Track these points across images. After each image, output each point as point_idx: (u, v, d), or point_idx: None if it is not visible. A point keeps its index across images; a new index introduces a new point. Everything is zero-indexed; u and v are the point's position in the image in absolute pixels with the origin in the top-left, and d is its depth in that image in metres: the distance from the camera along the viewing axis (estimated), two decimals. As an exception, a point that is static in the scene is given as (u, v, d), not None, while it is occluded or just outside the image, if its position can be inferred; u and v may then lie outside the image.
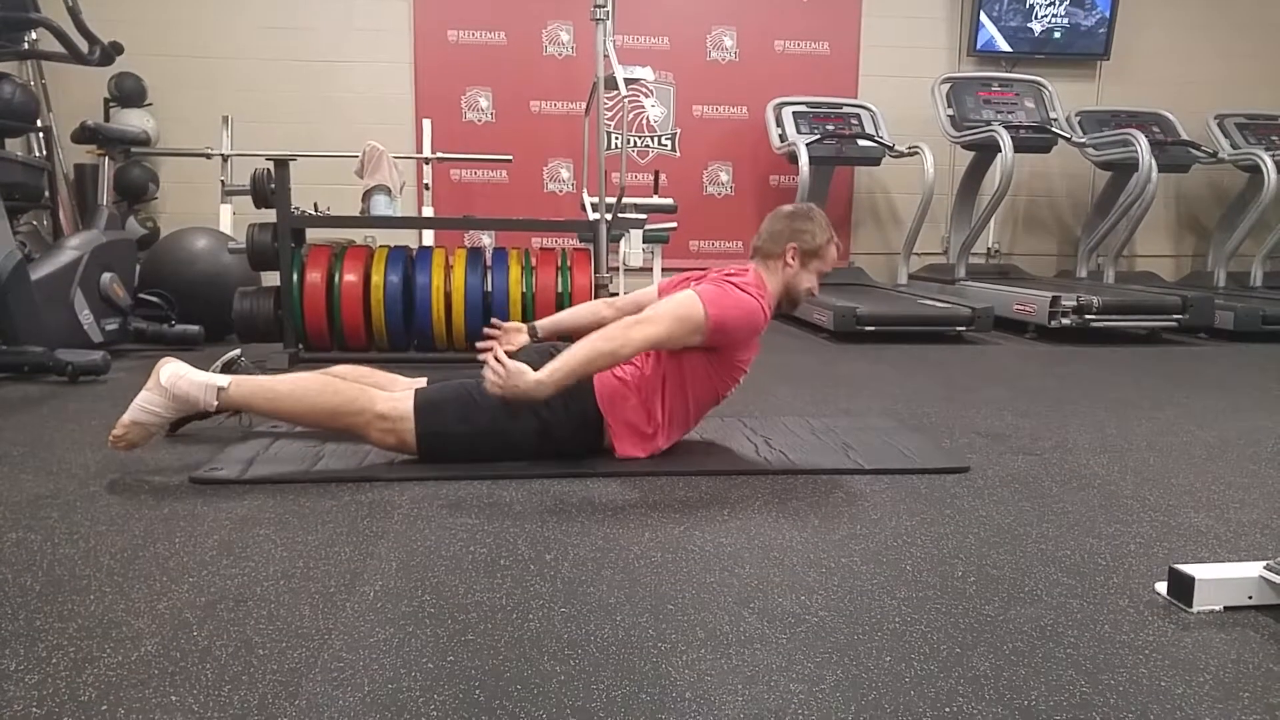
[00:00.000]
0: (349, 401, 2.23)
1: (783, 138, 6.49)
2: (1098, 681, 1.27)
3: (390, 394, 2.31)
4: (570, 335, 2.59)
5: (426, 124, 6.39)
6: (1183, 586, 1.52)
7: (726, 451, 2.52)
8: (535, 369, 2.23)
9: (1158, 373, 4.13)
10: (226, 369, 2.65)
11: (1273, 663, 1.34)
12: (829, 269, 2.55)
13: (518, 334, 2.67)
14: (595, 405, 2.36)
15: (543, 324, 2.72)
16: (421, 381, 2.51)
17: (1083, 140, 6.52)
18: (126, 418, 2.19)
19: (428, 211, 6.25)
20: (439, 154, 6.25)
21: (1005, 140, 5.88)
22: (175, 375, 2.21)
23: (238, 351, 2.72)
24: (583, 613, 1.47)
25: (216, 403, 2.21)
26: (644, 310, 2.29)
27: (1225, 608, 1.51)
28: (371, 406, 2.24)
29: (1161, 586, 1.59)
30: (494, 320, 2.71)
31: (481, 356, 2.27)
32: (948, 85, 6.67)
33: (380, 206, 4.32)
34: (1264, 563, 1.53)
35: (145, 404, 2.20)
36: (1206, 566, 1.55)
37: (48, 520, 1.89)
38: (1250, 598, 1.51)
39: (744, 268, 2.47)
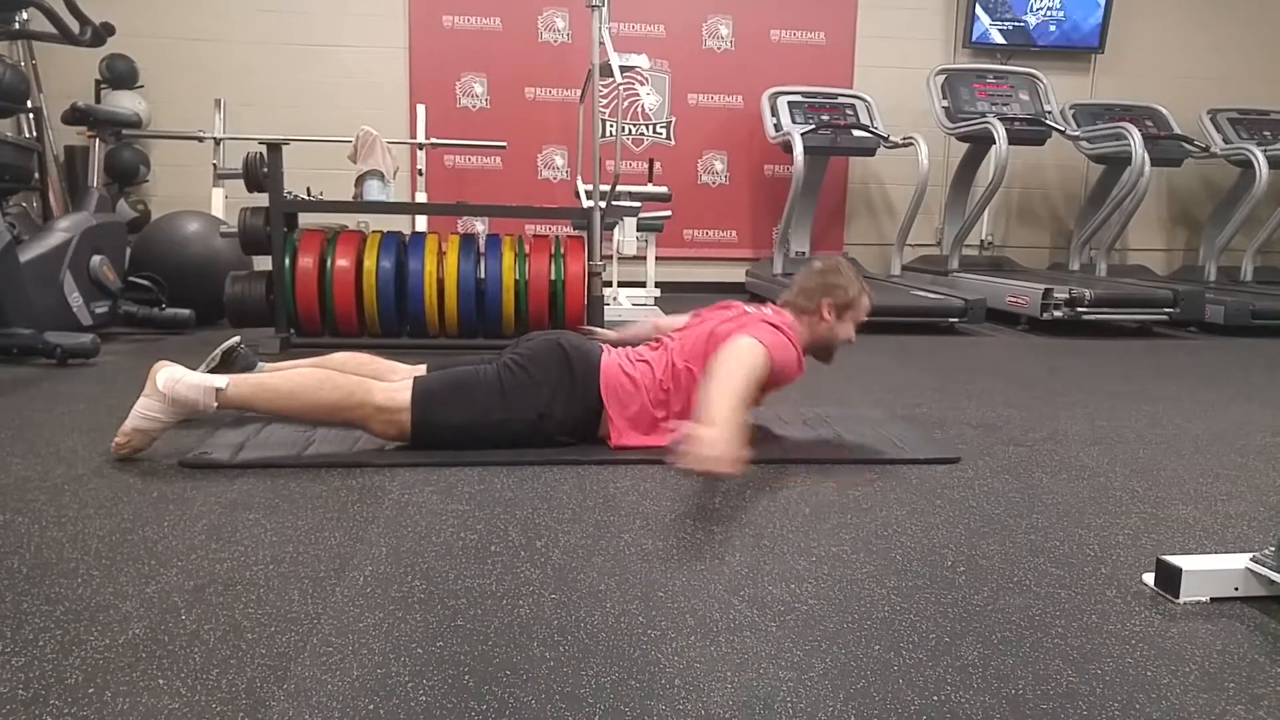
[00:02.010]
0: (348, 395, 2.22)
1: (778, 127, 6.47)
2: (1085, 671, 1.28)
3: (388, 385, 2.30)
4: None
5: (421, 109, 6.37)
6: (1170, 577, 1.53)
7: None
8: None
9: (1148, 365, 4.14)
10: (226, 356, 2.63)
11: (1258, 654, 1.34)
12: (863, 318, 2.59)
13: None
14: (598, 398, 2.36)
15: (609, 334, 2.78)
16: (421, 369, 2.50)
17: (1076, 133, 6.52)
18: (128, 425, 2.17)
19: (421, 197, 6.23)
20: (433, 140, 6.22)
21: (1000, 132, 5.88)
22: (172, 379, 2.17)
23: (237, 339, 2.70)
24: (573, 599, 1.47)
25: (216, 404, 2.19)
26: (720, 357, 2.16)
27: (1212, 599, 1.51)
28: (370, 399, 2.23)
29: (1149, 577, 1.59)
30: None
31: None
32: (943, 77, 6.66)
33: (373, 191, 4.30)
34: (1250, 555, 1.54)
35: (145, 410, 2.16)
36: (1194, 558, 1.56)
37: (35, 503, 1.89)
38: (1236, 589, 1.52)
39: (780, 310, 2.49)
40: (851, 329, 2.56)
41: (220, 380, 2.20)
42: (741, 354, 2.17)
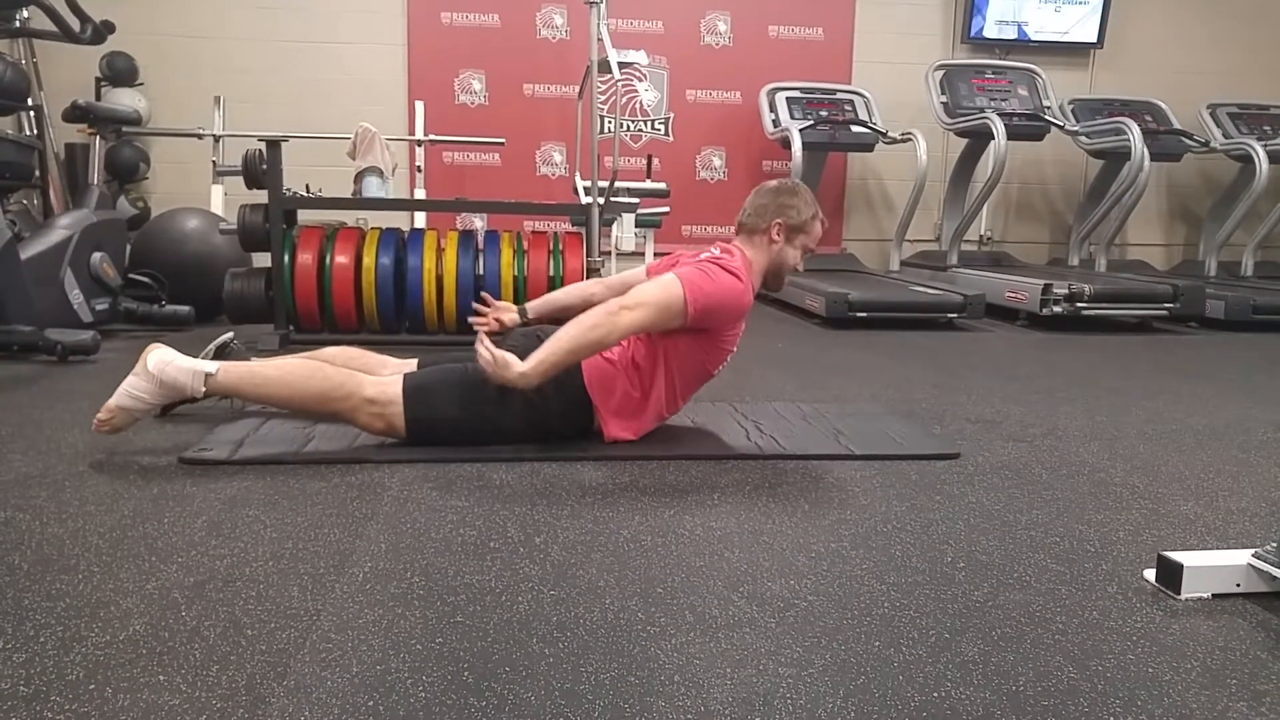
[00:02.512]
0: (337, 386, 2.22)
1: (776, 123, 6.47)
2: (1085, 667, 1.28)
3: (379, 378, 2.30)
4: (560, 317, 2.58)
5: (419, 106, 6.37)
6: (1171, 573, 1.53)
7: (717, 436, 2.52)
8: (522, 354, 2.24)
9: (1148, 361, 4.14)
10: (219, 352, 2.63)
11: (1259, 650, 1.34)
12: (814, 246, 2.53)
13: (507, 313, 2.66)
14: (584, 388, 2.35)
15: (533, 305, 2.70)
16: (411, 364, 2.50)
17: (1076, 128, 6.52)
18: (113, 402, 2.18)
19: (420, 194, 6.23)
20: (431, 136, 6.22)
21: (998, 128, 5.88)
22: (163, 361, 2.19)
23: (230, 335, 2.71)
24: (572, 595, 1.47)
25: (204, 389, 2.20)
26: (629, 294, 2.26)
27: (1213, 595, 1.51)
28: (359, 391, 2.23)
29: (1150, 573, 1.59)
30: (483, 295, 2.68)
31: (477, 335, 2.24)
32: (941, 72, 6.66)
33: (372, 188, 4.30)
34: (1252, 550, 1.54)
35: (132, 389, 2.18)
36: (1195, 554, 1.56)
37: (36, 499, 1.89)
38: (1238, 585, 1.52)
39: (730, 248, 2.46)
40: (799, 255, 2.50)
41: (210, 366, 2.21)
42: (640, 295, 2.24)
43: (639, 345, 2.36)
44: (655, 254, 5.90)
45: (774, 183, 2.57)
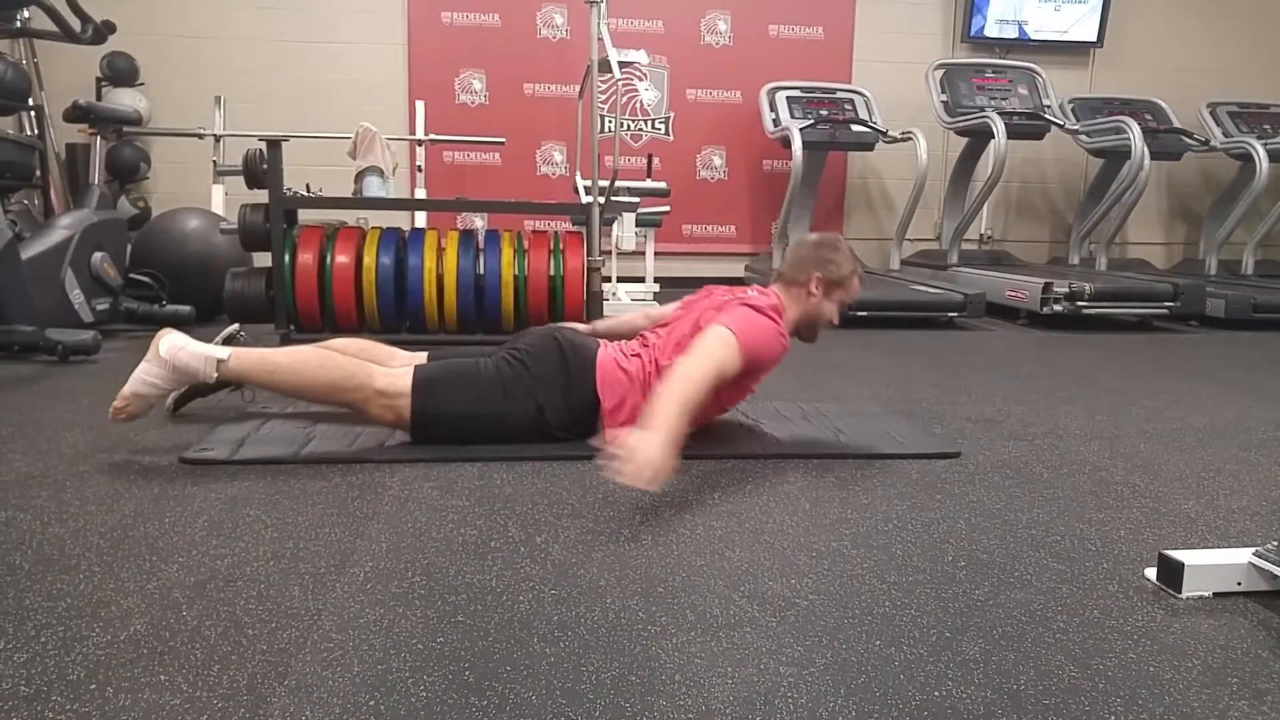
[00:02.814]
0: (349, 376, 2.22)
1: (776, 122, 6.47)
2: (1086, 666, 1.28)
3: (390, 370, 2.30)
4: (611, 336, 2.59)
5: (419, 106, 6.37)
6: (1172, 572, 1.53)
7: (717, 436, 2.52)
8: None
9: (1149, 359, 4.14)
10: (226, 344, 2.64)
11: (1261, 649, 1.34)
12: (852, 300, 2.54)
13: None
14: (595, 393, 2.35)
15: (598, 325, 2.73)
16: (422, 357, 2.51)
17: (1076, 127, 6.52)
18: (127, 389, 2.19)
19: (420, 193, 6.23)
20: (432, 136, 6.22)
21: (999, 127, 5.87)
22: (175, 347, 2.21)
23: (236, 326, 2.72)
24: (573, 595, 1.47)
25: (216, 374, 2.21)
26: (713, 354, 2.17)
27: (1214, 594, 1.51)
28: (371, 382, 2.23)
29: (1151, 572, 1.59)
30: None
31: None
32: (941, 71, 6.66)
33: (373, 188, 4.30)
34: (1253, 549, 1.54)
35: (145, 375, 2.20)
36: (1196, 552, 1.56)
37: (37, 499, 1.89)
38: (1239, 584, 1.52)
39: (765, 291, 2.47)
40: (836, 310, 2.51)
41: (222, 351, 2.22)
42: (708, 349, 2.18)
43: (640, 367, 2.38)
44: (656, 253, 5.93)
45: (814, 236, 2.60)
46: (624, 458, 1.76)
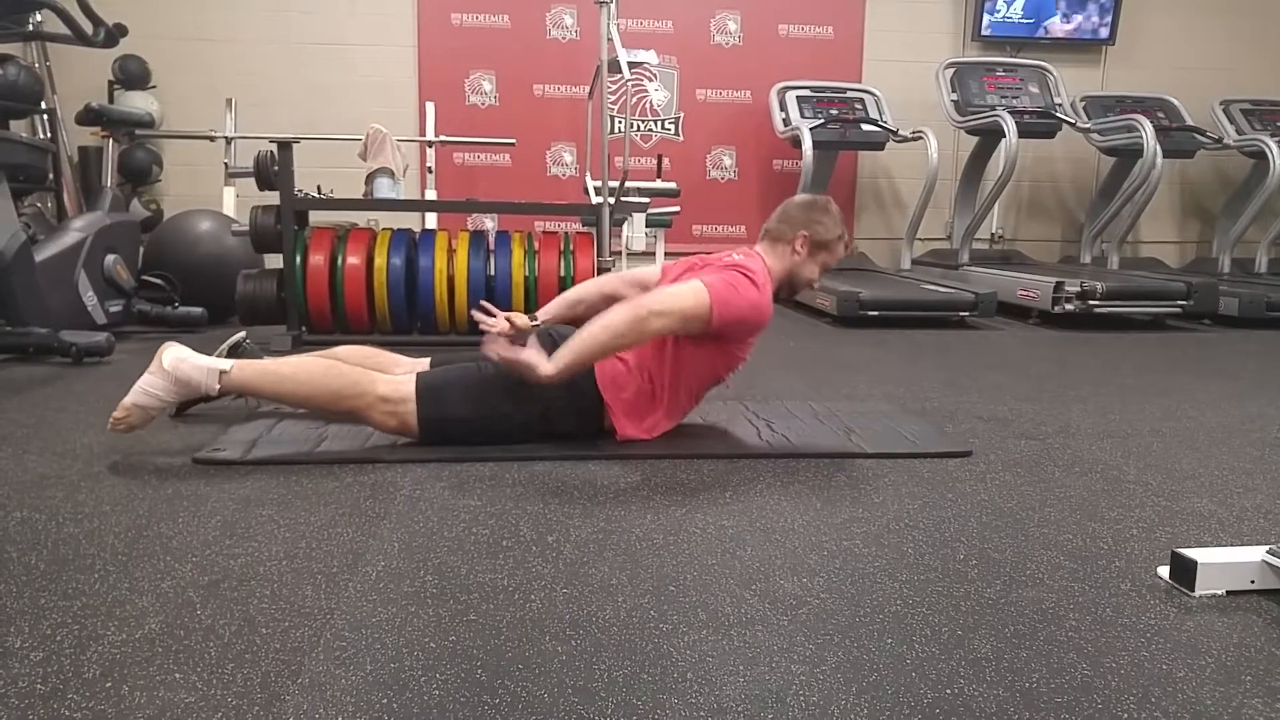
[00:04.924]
0: (351, 384, 2.23)
1: (786, 122, 6.46)
2: (1099, 664, 1.27)
3: (392, 376, 2.31)
4: (572, 315, 2.58)
5: (430, 107, 6.37)
6: (1185, 571, 1.52)
7: (729, 435, 2.53)
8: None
9: (1161, 358, 4.12)
10: (232, 351, 2.65)
11: (1275, 647, 1.34)
12: (834, 264, 2.56)
13: (519, 318, 2.65)
14: (596, 388, 2.35)
15: (543, 313, 2.68)
16: (424, 363, 2.51)
17: (1087, 126, 6.49)
18: (128, 400, 2.19)
19: (431, 195, 6.23)
20: (442, 137, 6.22)
21: (1009, 125, 5.86)
22: (178, 359, 2.21)
23: (243, 334, 2.73)
24: (584, 594, 1.48)
25: (219, 386, 2.21)
26: (656, 298, 2.25)
27: (1228, 592, 1.51)
28: (373, 389, 2.23)
29: (1164, 570, 1.59)
30: (483, 303, 2.63)
31: (487, 341, 2.24)
32: (952, 70, 6.64)
33: (383, 189, 4.32)
34: (1267, 547, 1.53)
35: (147, 387, 2.19)
36: (1209, 551, 1.55)
37: (52, 500, 1.90)
38: (1253, 582, 1.51)
39: (751, 253, 2.46)
40: (817, 271, 2.52)
41: (225, 363, 2.22)
42: (672, 293, 2.24)
43: (653, 348, 2.36)
44: (666, 254, 5.93)
45: (806, 196, 2.60)
46: (515, 364, 2.16)
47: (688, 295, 2.24)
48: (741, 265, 2.35)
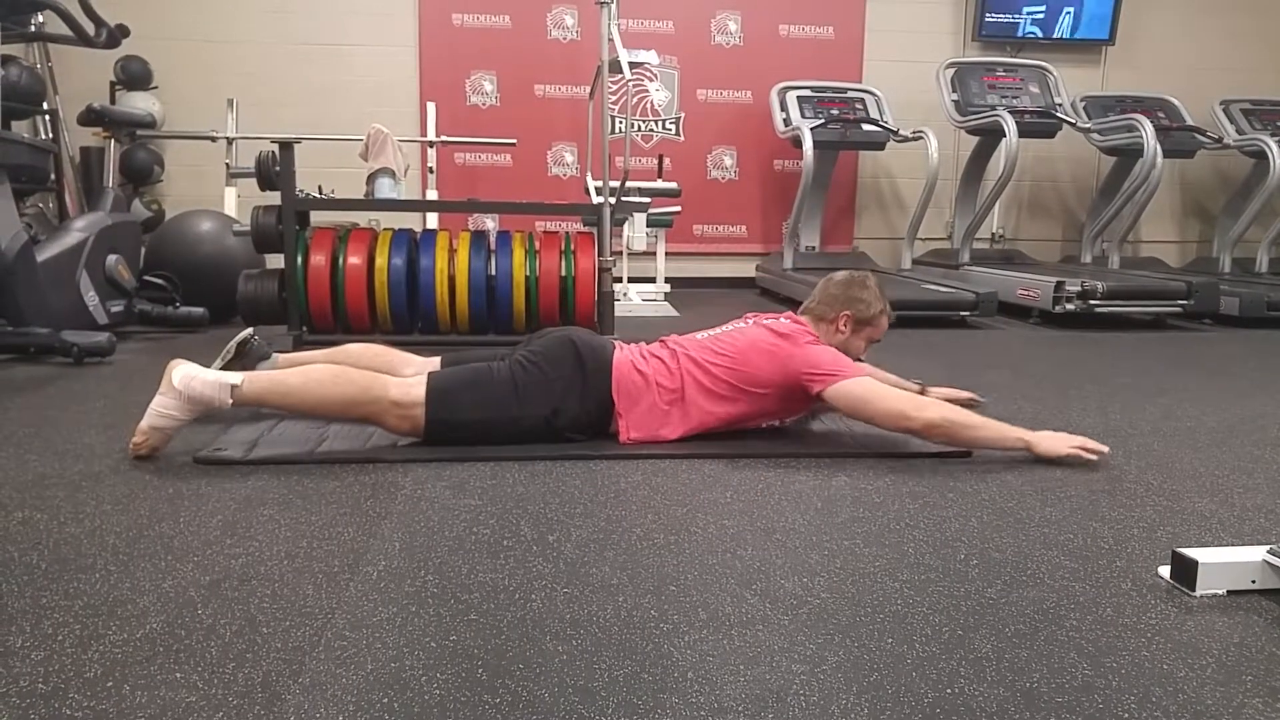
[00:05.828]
0: (362, 390, 2.22)
1: (787, 122, 6.46)
2: (1100, 664, 1.28)
3: (403, 379, 2.31)
4: None
5: (431, 107, 6.38)
6: (1186, 570, 1.52)
7: (729, 434, 2.52)
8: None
9: (1162, 358, 4.12)
10: (240, 349, 2.64)
11: (1275, 646, 1.34)
12: (879, 338, 2.63)
13: None
14: (610, 394, 2.36)
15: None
16: (435, 362, 2.51)
17: (1087, 125, 6.49)
18: (144, 424, 2.18)
19: (432, 195, 6.25)
20: (443, 137, 6.23)
21: (1010, 125, 5.85)
22: (188, 377, 2.17)
23: (250, 331, 2.72)
24: (585, 593, 1.48)
25: (231, 401, 2.20)
26: (861, 408, 2.34)
27: (1228, 592, 1.51)
28: (385, 394, 2.23)
29: (1164, 570, 1.59)
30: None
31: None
32: (952, 70, 6.64)
33: (384, 189, 4.31)
34: (1268, 547, 1.53)
35: (161, 408, 2.17)
36: (1210, 550, 1.55)
37: (53, 499, 1.90)
38: (1254, 582, 1.51)
39: (800, 319, 2.53)
40: (864, 346, 2.60)
41: (235, 377, 2.21)
42: (879, 396, 2.32)
43: (676, 378, 2.40)
44: (666, 254, 5.92)
45: (844, 274, 2.66)
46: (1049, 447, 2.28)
47: (864, 383, 2.36)
48: (809, 341, 2.44)
